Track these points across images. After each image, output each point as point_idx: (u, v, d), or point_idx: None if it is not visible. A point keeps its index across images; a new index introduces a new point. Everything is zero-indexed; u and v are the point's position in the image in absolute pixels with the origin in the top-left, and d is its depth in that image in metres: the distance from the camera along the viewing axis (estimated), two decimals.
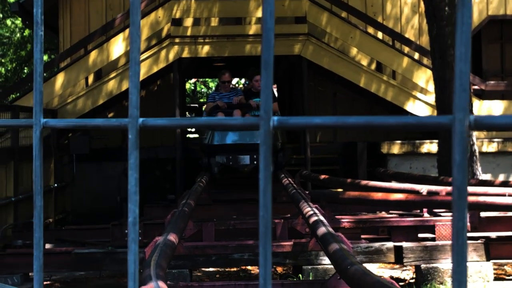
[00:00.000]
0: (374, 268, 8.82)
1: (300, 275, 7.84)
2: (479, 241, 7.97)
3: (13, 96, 15.19)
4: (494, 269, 8.33)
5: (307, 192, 8.94)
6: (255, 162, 10.11)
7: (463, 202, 0.61)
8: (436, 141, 11.35)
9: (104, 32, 12.80)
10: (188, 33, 12.69)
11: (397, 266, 8.99)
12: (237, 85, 27.99)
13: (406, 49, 13.26)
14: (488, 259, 7.94)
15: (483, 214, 8.40)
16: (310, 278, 7.65)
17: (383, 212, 9.47)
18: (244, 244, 7.64)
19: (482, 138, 12.38)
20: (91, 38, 12.76)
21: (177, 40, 12.60)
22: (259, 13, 12.93)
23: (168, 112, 12.90)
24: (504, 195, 7.71)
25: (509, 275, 8.62)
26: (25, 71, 25.84)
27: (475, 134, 10.89)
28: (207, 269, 9.13)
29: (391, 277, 8.32)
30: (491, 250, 7.98)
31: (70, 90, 12.80)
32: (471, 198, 7.29)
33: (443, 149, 10.67)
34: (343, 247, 5.17)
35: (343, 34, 12.91)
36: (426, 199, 7.90)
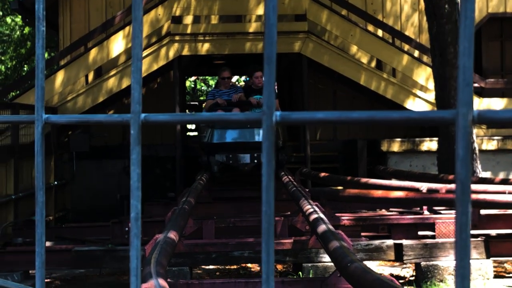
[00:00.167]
0: (374, 266, 8.83)
1: (300, 273, 7.85)
2: (479, 239, 7.98)
3: (13, 93, 15.18)
4: (494, 266, 8.33)
5: (307, 190, 8.94)
6: (255, 161, 10.01)
7: (467, 197, 0.61)
8: (436, 139, 11.34)
9: (104, 29, 12.80)
10: (188, 30, 12.68)
11: (397, 263, 8.99)
12: (237, 82, 27.98)
13: (406, 47, 13.25)
14: (488, 257, 7.94)
15: (483, 211, 8.40)
16: (310, 276, 7.65)
17: (383, 210, 9.47)
18: (244, 241, 7.64)
19: (482, 135, 12.38)
20: (91, 36, 12.75)
21: (177, 37, 12.59)
22: (259, 11, 12.93)
23: (168, 110, 12.89)
24: (504, 192, 7.70)
25: (509, 273, 8.63)
26: (25, 69, 25.83)
27: (475, 131, 10.90)
28: (207, 267, 9.13)
29: (391, 275, 8.33)
30: (491, 247, 7.99)
31: (70, 88, 12.80)
32: (471, 196, 7.28)
33: (443, 147, 10.67)
34: (343, 244, 5.17)
35: (343, 32, 12.91)
36: (426, 196, 7.89)
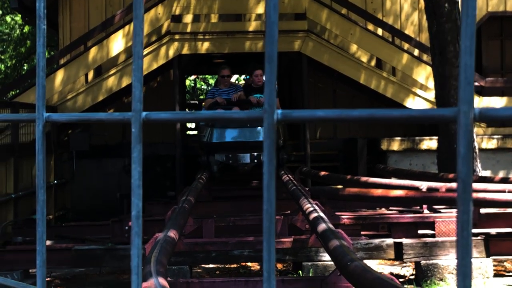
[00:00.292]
0: (374, 265, 8.83)
1: (300, 272, 7.85)
2: (478, 238, 7.98)
3: (13, 92, 15.19)
4: (494, 265, 8.34)
5: (307, 188, 8.94)
6: (255, 161, 9.89)
7: (468, 195, 0.61)
8: (436, 137, 11.34)
9: (104, 28, 12.79)
10: (188, 29, 12.68)
11: (397, 262, 8.99)
12: (237, 81, 27.99)
13: (406, 46, 13.25)
14: (488, 256, 7.94)
15: (482, 210, 8.40)
16: (310, 275, 7.66)
17: (383, 209, 9.47)
18: (244, 240, 7.64)
19: (481, 134, 12.38)
20: (91, 35, 12.75)
21: (177, 36, 12.59)
22: (259, 10, 12.93)
23: (168, 108, 12.88)
24: (503, 191, 7.70)
25: (509, 272, 8.63)
26: (25, 67, 25.83)
27: (474, 130, 10.89)
28: (207, 266, 9.13)
29: (391, 274, 8.33)
30: (491, 246, 7.99)
31: (70, 87, 12.80)
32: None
33: (443, 145, 10.67)
34: (343, 243, 5.17)
35: (343, 31, 12.91)
36: (426, 195, 7.89)
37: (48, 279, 8.85)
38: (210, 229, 7.85)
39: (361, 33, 12.86)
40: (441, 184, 8.36)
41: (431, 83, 12.19)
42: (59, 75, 12.50)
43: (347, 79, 12.99)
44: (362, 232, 8.45)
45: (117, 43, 12.54)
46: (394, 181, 9.26)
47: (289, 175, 9.55)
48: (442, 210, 8.55)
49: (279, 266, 8.93)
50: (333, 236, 5.38)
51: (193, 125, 22.64)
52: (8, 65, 25.65)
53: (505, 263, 9.03)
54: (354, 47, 13.41)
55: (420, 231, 8.36)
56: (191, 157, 12.47)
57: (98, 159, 13.07)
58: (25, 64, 25.88)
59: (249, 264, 9.13)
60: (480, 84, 12.67)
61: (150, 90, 14.08)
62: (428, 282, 7.86)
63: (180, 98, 13.00)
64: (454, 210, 8.35)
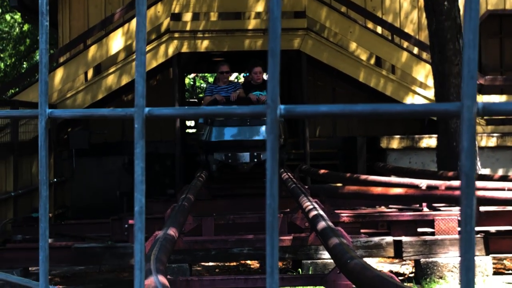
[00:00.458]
0: (374, 263, 8.84)
1: (300, 270, 7.86)
2: (478, 236, 7.98)
3: (12, 91, 15.18)
4: (494, 263, 8.34)
5: (306, 186, 8.94)
6: (255, 160, 9.74)
7: (471, 190, 0.61)
8: (435, 136, 11.34)
9: (103, 26, 12.79)
10: (188, 28, 12.68)
11: (397, 260, 9.00)
12: (236, 79, 27.97)
13: (405, 44, 13.25)
14: (487, 254, 7.95)
15: (482, 208, 8.40)
16: (310, 273, 7.66)
17: (383, 207, 9.48)
18: (243, 238, 7.64)
19: (481, 132, 12.38)
20: (90, 33, 12.75)
21: (176, 35, 12.59)
22: (258, 8, 12.92)
23: (168, 106, 12.86)
24: (503, 189, 7.71)
25: (508, 269, 8.64)
26: (24, 66, 25.83)
27: None
28: (206, 264, 9.14)
29: (391, 271, 8.33)
30: (491, 244, 8.00)
31: (69, 85, 12.79)
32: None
33: (442, 143, 10.66)
34: (343, 241, 5.17)
35: (342, 29, 12.90)
36: (426, 193, 7.90)
37: (48, 277, 8.84)
38: (209, 227, 7.85)
39: (360, 31, 12.86)
40: (440, 182, 8.36)
41: (430, 81, 12.19)
42: (59, 74, 12.49)
43: (347, 77, 12.99)
44: (362, 230, 8.45)
45: (116, 41, 12.54)
46: (393, 179, 9.26)
47: (289, 173, 9.55)
48: (441, 208, 8.55)
49: (279, 264, 8.93)
50: (333, 234, 5.39)
51: (192, 123, 22.62)
52: (8, 63, 25.65)
53: (504, 261, 9.04)
54: (353, 45, 13.41)
55: (419, 229, 8.37)
56: (191, 155, 12.46)
57: (98, 157, 13.07)
58: (24, 63, 25.88)
59: (248, 262, 9.14)
60: (479, 82, 12.67)
61: (150, 88, 14.07)
62: (428, 280, 7.86)
63: (179, 96, 13.00)
64: (454, 208, 8.36)
